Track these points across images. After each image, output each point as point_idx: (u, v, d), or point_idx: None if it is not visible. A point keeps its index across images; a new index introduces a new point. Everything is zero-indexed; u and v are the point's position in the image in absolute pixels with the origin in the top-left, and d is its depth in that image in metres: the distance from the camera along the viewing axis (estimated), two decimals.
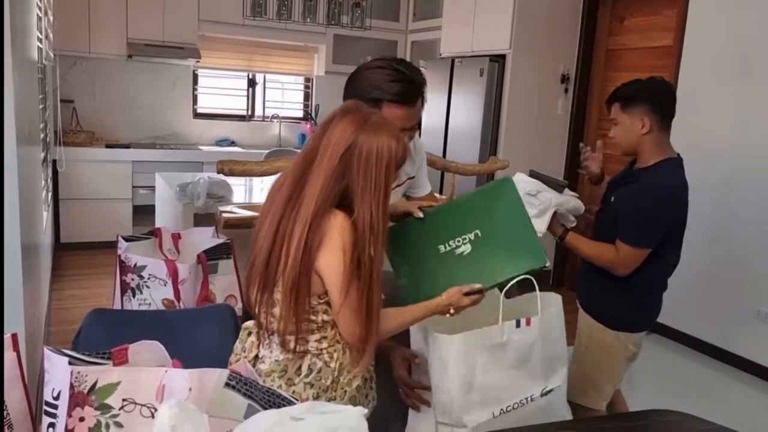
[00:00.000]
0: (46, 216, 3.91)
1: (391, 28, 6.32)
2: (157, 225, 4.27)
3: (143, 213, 5.20)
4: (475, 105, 4.75)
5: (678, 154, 2.16)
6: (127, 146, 5.38)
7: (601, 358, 2.20)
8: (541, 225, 2.02)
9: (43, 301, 3.50)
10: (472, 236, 1.56)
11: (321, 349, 1.41)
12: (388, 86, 1.62)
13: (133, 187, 5.33)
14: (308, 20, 3.98)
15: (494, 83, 4.63)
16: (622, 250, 2.03)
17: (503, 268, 1.52)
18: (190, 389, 1.14)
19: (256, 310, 1.41)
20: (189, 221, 3.22)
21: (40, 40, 3.59)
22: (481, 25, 4.85)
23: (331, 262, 1.33)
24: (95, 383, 1.13)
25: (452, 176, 2.93)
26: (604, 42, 4.73)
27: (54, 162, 4.92)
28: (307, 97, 6.58)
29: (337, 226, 1.33)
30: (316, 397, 1.41)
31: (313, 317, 1.39)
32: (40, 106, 3.82)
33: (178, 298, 2.12)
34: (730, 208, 3.74)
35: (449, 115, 5.06)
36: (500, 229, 1.55)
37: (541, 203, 2.05)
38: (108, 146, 5.31)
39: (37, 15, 3.45)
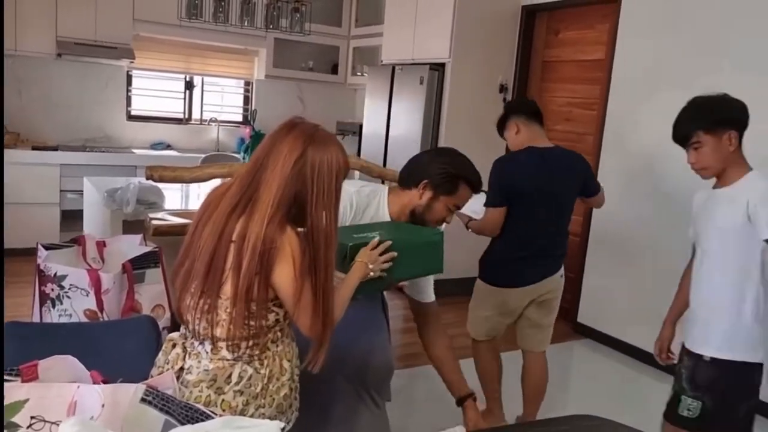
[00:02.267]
0: None
1: (333, 33, 6.30)
2: (85, 231, 4.11)
3: (72, 218, 4.99)
4: (415, 112, 4.78)
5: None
6: (55, 148, 5.16)
7: (475, 301, 2.90)
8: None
9: None
10: (376, 233, 1.77)
11: (252, 356, 1.42)
12: (471, 173, 2.02)
13: (61, 191, 5.11)
14: (246, 23, 3.91)
15: (434, 91, 4.67)
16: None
17: (409, 232, 1.90)
18: (103, 405, 1.08)
19: (189, 317, 1.38)
20: (118, 228, 3.10)
21: None
22: (422, 33, 4.89)
23: (285, 274, 1.38)
24: None
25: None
26: (541, 54, 4.85)
27: None
28: (246, 101, 6.48)
29: (288, 240, 1.37)
30: (246, 405, 1.41)
31: (252, 323, 1.40)
32: None
33: (102, 309, 2.03)
34: (662, 214, 3.87)
35: (390, 122, 5.07)
36: (398, 229, 1.91)
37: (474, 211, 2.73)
38: (34, 148, 5.08)
39: None
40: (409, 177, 2.01)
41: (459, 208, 2.03)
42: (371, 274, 1.62)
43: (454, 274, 3.32)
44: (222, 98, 6.46)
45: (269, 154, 1.42)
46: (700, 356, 1.97)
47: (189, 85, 6.13)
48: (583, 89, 4.51)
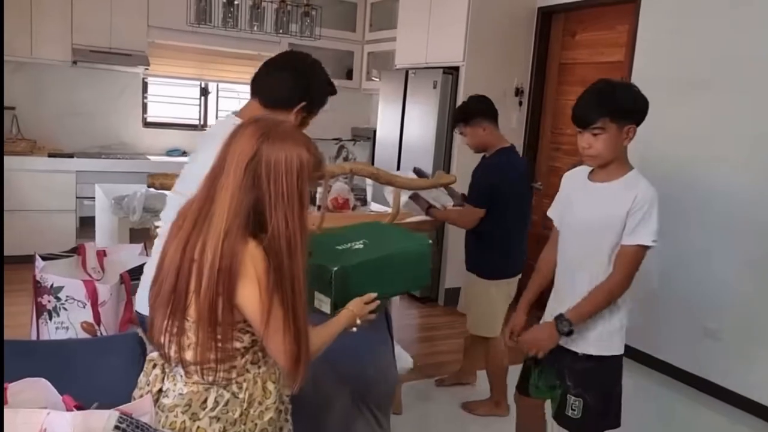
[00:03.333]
0: None
1: (347, 38, 6.25)
2: (97, 239, 4.11)
3: (88, 225, 4.98)
4: (428, 117, 4.70)
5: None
6: (71, 156, 5.17)
7: (482, 304, 3.04)
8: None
9: None
10: (361, 243, 1.71)
11: (229, 379, 1.33)
12: (331, 83, 1.92)
13: (77, 198, 5.12)
14: (255, 28, 3.87)
15: (448, 95, 4.59)
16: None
17: (396, 242, 1.82)
18: None
19: (162, 339, 1.30)
20: (125, 236, 3.08)
21: None
22: (435, 37, 4.82)
23: (247, 294, 1.26)
24: None
25: (397, 191, 2.86)
26: (557, 56, 4.74)
27: None
28: None
29: (250, 256, 1.25)
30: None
31: (227, 345, 1.30)
32: None
33: (98, 322, 1.99)
34: (681, 222, 3.75)
35: (403, 127, 5.00)
36: (382, 236, 1.84)
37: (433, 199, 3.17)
38: (51, 155, 5.09)
39: None
40: (282, 99, 1.79)
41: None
42: (354, 328, 1.53)
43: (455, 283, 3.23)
44: (239, 104, 6.44)
45: (225, 157, 1.29)
46: (577, 354, 1.96)
47: (204, 92, 6.13)
48: None
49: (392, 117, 5.11)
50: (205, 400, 1.31)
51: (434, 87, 4.61)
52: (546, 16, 4.72)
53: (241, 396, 1.33)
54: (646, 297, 3.92)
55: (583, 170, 2.06)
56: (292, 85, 1.80)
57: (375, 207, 3.61)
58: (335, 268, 1.55)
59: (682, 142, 3.74)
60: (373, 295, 1.55)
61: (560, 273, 2.06)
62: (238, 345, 1.32)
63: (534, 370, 2.12)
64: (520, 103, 4.82)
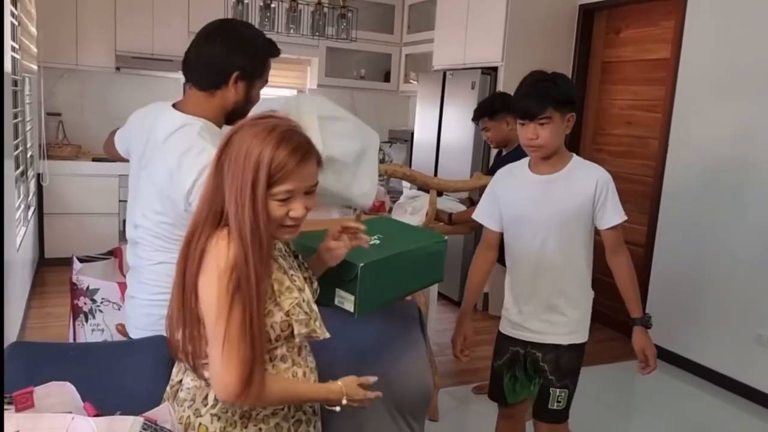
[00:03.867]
0: (23, 232, 3.80)
1: (385, 40, 6.23)
2: None
3: None
4: (466, 118, 4.61)
5: None
6: (114, 160, 5.26)
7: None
8: (414, 221, 2.76)
9: (15, 322, 3.38)
10: (376, 238, 1.61)
11: None
12: (269, 40, 1.71)
13: (120, 201, 5.22)
14: (291, 31, 3.87)
15: (486, 96, 4.50)
16: None
17: (412, 239, 1.73)
18: None
19: (176, 333, 1.26)
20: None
21: (16, 51, 3.50)
22: (473, 37, 4.75)
23: (204, 286, 1.18)
24: None
25: (433, 193, 2.80)
26: (600, 54, 4.61)
27: (39, 176, 4.82)
28: None
29: (215, 245, 1.18)
30: None
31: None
32: (17, 120, 3.73)
33: None
34: (731, 223, 3.59)
35: (441, 129, 4.94)
36: (396, 232, 1.76)
37: (413, 208, 2.96)
38: (95, 160, 5.21)
39: (12, 24, 3.36)
40: (213, 77, 1.63)
41: (267, 82, 1.72)
42: (337, 408, 1.34)
43: None
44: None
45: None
46: (558, 345, 1.99)
47: None
48: (646, 90, 4.25)
49: (430, 119, 5.06)
50: (206, 397, 1.26)
51: (472, 88, 4.54)
52: (588, 13, 4.59)
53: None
54: (688, 301, 3.77)
55: (517, 167, 2.05)
56: (217, 59, 1.62)
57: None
58: (362, 264, 1.45)
59: (729, 140, 3.58)
60: (373, 379, 1.38)
61: (521, 271, 2.03)
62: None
63: (505, 375, 2.11)
64: None
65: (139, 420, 1.04)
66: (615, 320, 4.40)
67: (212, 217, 1.20)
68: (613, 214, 1.92)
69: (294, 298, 1.27)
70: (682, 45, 3.85)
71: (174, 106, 1.68)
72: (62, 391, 1.11)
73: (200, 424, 1.24)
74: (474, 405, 3.20)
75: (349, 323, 1.73)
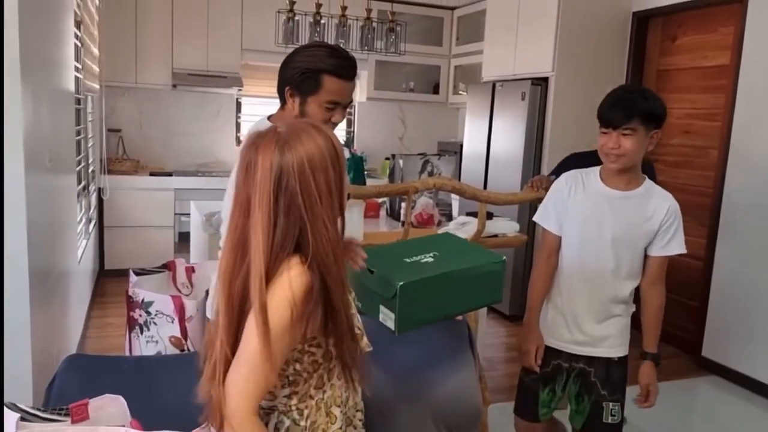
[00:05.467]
0: (84, 244, 3.95)
1: (434, 53, 6.23)
2: (191, 254, 4.27)
3: (187, 241, 5.21)
4: (516, 130, 4.57)
5: None
6: (170, 174, 5.44)
7: None
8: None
9: (75, 331, 3.50)
10: (431, 256, 1.63)
11: (290, 405, 1.25)
12: (328, 60, 1.70)
13: (176, 214, 5.37)
14: (341, 45, 3.91)
15: (537, 107, 4.45)
16: None
17: (467, 258, 1.70)
18: None
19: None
20: (215, 252, 3.17)
21: (78, 71, 3.66)
22: (523, 47, 4.69)
23: (273, 300, 1.11)
24: None
25: (482, 207, 2.76)
26: (655, 62, 4.49)
27: (100, 190, 5.01)
28: (349, 123, 6.54)
29: (286, 270, 1.13)
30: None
31: (286, 368, 1.23)
32: (80, 136, 3.89)
33: (185, 336, 2.03)
34: None
35: (490, 141, 4.89)
36: (453, 250, 1.73)
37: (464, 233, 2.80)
38: (152, 174, 5.38)
39: (75, 46, 3.52)
40: (280, 93, 1.78)
41: (336, 103, 1.72)
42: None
43: None
44: None
45: (250, 187, 1.15)
46: (609, 359, 1.99)
47: None
48: (704, 99, 4.11)
49: (479, 131, 5.02)
50: (266, 425, 1.23)
51: (522, 99, 4.48)
52: (642, 21, 4.48)
53: (302, 424, 1.25)
54: (749, 316, 3.60)
55: (587, 176, 2.01)
56: (279, 79, 1.78)
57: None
58: (400, 283, 1.45)
59: None
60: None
61: (574, 282, 2.00)
62: (297, 368, 1.23)
63: (543, 390, 2.06)
64: None
65: None
66: (675, 336, 4.25)
67: (285, 246, 1.14)
68: (672, 244, 1.93)
69: (353, 313, 1.27)
70: (742, 51, 3.71)
71: (268, 118, 1.84)
72: (116, 404, 1.14)
73: None
74: None
75: (398, 342, 1.73)
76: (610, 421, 1.99)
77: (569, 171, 2.08)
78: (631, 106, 1.84)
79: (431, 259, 1.60)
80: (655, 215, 1.89)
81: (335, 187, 1.17)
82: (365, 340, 1.30)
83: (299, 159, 1.13)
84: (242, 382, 1.11)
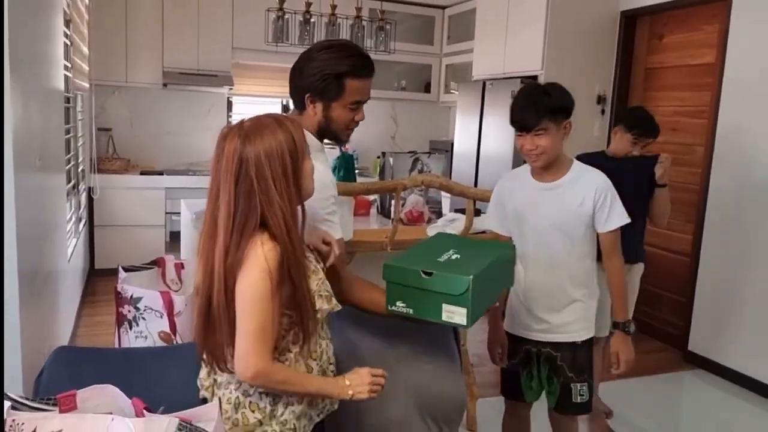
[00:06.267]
0: (74, 243, 3.95)
1: (425, 51, 6.27)
2: (182, 252, 4.28)
3: (178, 240, 5.22)
4: (506, 128, 4.56)
5: None
6: (161, 173, 5.44)
7: None
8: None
9: (66, 330, 3.51)
10: (452, 253, 1.67)
11: (273, 359, 1.38)
12: (347, 61, 1.68)
13: (167, 213, 5.37)
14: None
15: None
16: None
17: (488, 248, 1.79)
18: None
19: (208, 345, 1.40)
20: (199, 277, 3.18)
21: (68, 69, 3.66)
22: (513, 46, 4.73)
23: (246, 282, 1.31)
24: (34, 431, 1.05)
25: (470, 204, 2.79)
26: (643, 60, 4.54)
27: (90, 189, 5.01)
28: None
29: (260, 246, 1.31)
30: (274, 404, 1.41)
31: None
32: (69, 135, 3.90)
33: (174, 331, 2.05)
34: None
35: (481, 140, 4.92)
36: (465, 245, 1.78)
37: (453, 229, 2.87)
38: (143, 173, 5.38)
39: (65, 44, 3.52)
40: (295, 99, 1.76)
41: (361, 102, 1.73)
42: (349, 395, 1.43)
43: None
44: None
45: (216, 175, 1.35)
46: (574, 343, 2.06)
47: (285, 109, 6.29)
48: (691, 96, 4.15)
49: (469, 129, 5.05)
50: None
51: (512, 97, 4.50)
52: (630, 19, 4.53)
53: None
54: (735, 311, 3.65)
55: (519, 175, 2.10)
56: (294, 83, 1.75)
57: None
58: (472, 276, 1.51)
59: None
60: (380, 371, 1.46)
61: (529, 273, 2.07)
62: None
63: (522, 373, 2.15)
64: (603, 111, 4.64)
65: (174, 421, 1.08)
66: (662, 331, 4.29)
67: (248, 223, 1.32)
68: (610, 219, 1.99)
69: (319, 279, 1.43)
70: (726, 49, 3.76)
71: None
72: (103, 394, 1.16)
73: (250, 402, 1.40)
74: None
75: (386, 333, 1.76)
76: (579, 400, 2.08)
77: (509, 173, 2.21)
78: (537, 107, 1.91)
79: (459, 256, 1.64)
80: (586, 198, 1.96)
81: (292, 177, 1.34)
82: (334, 301, 1.46)
83: (256, 151, 1.31)
84: (251, 350, 1.30)
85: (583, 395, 2.08)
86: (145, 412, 1.11)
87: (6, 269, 1.96)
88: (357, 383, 1.41)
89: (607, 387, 3.16)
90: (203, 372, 1.47)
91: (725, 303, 3.77)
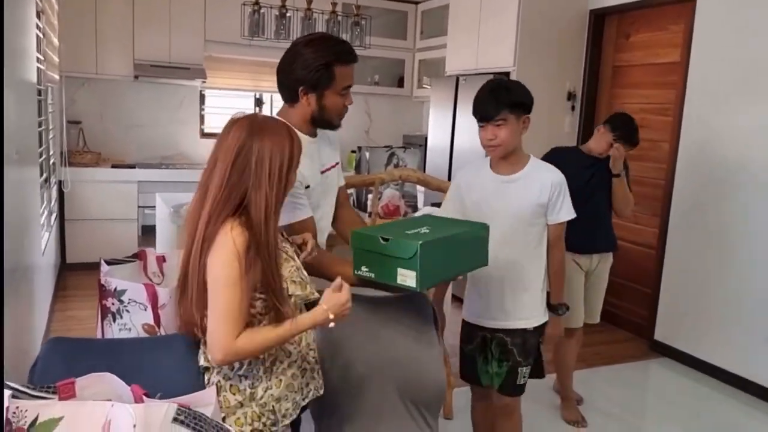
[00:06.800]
0: (47, 237, 3.91)
1: (398, 46, 6.31)
2: (158, 246, 4.26)
3: (150, 234, 5.18)
4: None
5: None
6: (133, 166, 5.39)
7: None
8: None
9: (41, 324, 3.48)
10: (425, 228, 1.79)
11: None
12: (334, 50, 1.82)
13: (139, 207, 5.33)
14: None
15: None
16: None
17: (457, 226, 1.89)
18: (134, 426, 1.08)
19: (193, 314, 1.48)
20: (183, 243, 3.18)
21: (41, 62, 3.62)
22: (486, 42, 4.81)
23: (216, 264, 1.39)
24: (36, 418, 1.08)
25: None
26: (611, 58, 4.66)
27: (60, 183, 4.94)
28: None
29: (231, 230, 1.39)
30: (253, 387, 1.49)
31: None
32: (41, 128, 3.85)
33: (158, 323, 2.05)
34: (740, 225, 3.61)
35: (454, 134, 5.00)
36: (442, 223, 1.91)
37: None
38: (114, 166, 5.33)
39: (37, 36, 3.48)
40: (287, 93, 1.89)
41: (349, 87, 1.89)
42: (330, 324, 1.48)
43: None
44: None
45: (218, 153, 1.45)
46: (525, 329, 2.17)
47: (259, 102, 6.29)
48: (657, 94, 4.29)
49: (443, 124, 5.12)
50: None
51: None
52: (598, 18, 4.65)
53: (262, 356, 1.49)
54: (699, 302, 3.80)
55: (478, 168, 2.21)
56: (285, 78, 1.87)
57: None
58: (420, 242, 1.63)
59: (739, 142, 3.61)
60: (340, 282, 1.52)
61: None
62: (252, 311, 1.45)
63: (478, 358, 2.27)
64: (573, 108, 4.76)
65: (173, 406, 1.11)
66: (629, 321, 4.43)
67: (231, 202, 1.42)
68: (560, 212, 2.12)
69: (291, 266, 1.52)
70: (691, 49, 3.89)
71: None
72: (102, 381, 1.19)
73: (231, 385, 1.48)
74: None
75: (367, 321, 1.81)
76: (522, 382, 2.22)
77: (468, 166, 2.32)
78: (498, 99, 2.03)
79: (428, 231, 1.75)
80: (543, 191, 2.08)
81: (284, 178, 1.45)
82: (309, 288, 1.55)
83: (262, 142, 1.43)
84: (218, 332, 1.37)
85: (525, 377, 2.21)
86: (144, 398, 1.15)
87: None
88: (334, 308, 1.47)
89: (577, 375, 3.26)
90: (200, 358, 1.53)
91: (689, 294, 3.92)
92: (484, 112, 2.07)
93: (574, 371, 3.21)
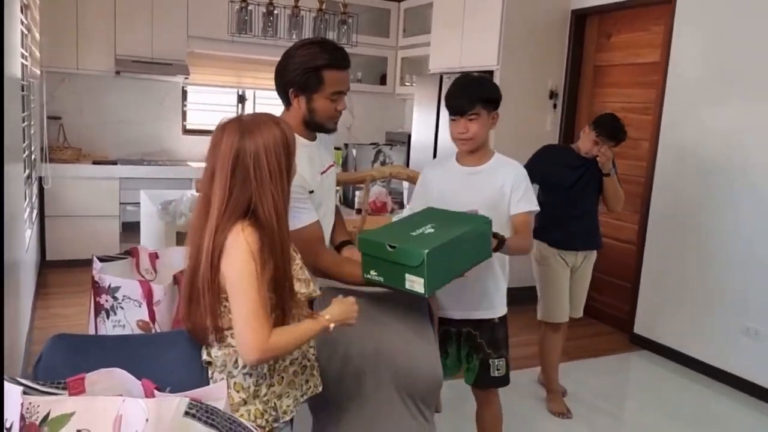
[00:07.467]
0: (29, 234, 3.86)
1: (381, 44, 6.34)
2: (142, 243, 4.24)
3: (132, 230, 5.15)
4: None
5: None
6: (114, 163, 5.35)
7: (548, 283, 3.23)
8: None
9: (24, 321, 3.45)
10: (429, 227, 1.80)
11: None
12: (323, 55, 1.82)
13: (121, 203, 5.28)
14: (294, 36, 3.97)
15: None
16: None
17: (461, 223, 1.88)
18: (147, 420, 1.10)
19: (200, 314, 1.47)
20: (172, 239, 3.19)
21: (25, 57, 3.58)
22: (469, 41, 4.86)
23: (233, 267, 1.39)
24: (48, 414, 1.09)
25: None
26: (592, 58, 4.74)
27: (41, 179, 4.88)
28: None
29: (238, 232, 1.39)
30: (257, 385, 1.49)
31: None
32: (24, 123, 3.80)
33: (153, 320, 2.06)
34: (718, 220, 3.71)
35: (438, 132, 5.04)
36: (445, 219, 1.90)
37: None
38: (95, 163, 5.28)
39: (22, 32, 3.44)
40: (282, 96, 1.93)
41: (341, 92, 1.88)
42: (331, 328, 1.53)
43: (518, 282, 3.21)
44: (277, 111, 6.54)
45: (214, 163, 1.44)
46: (491, 320, 2.23)
47: (241, 99, 6.26)
48: (637, 93, 4.38)
49: (427, 121, 5.16)
50: (236, 360, 1.48)
51: None
52: (580, 18, 4.72)
53: None
54: (678, 296, 3.90)
55: (444, 162, 2.30)
56: (278, 81, 1.90)
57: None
58: (427, 251, 1.64)
59: (717, 141, 3.70)
60: (352, 299, 1.59)
61: None
62: None
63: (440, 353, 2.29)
64: (555, 106, 4.83)
65: (185, 400, 1.13)
66: (610, 316, 4.52)
67: (238, 210, 1.41)
68: (523, 203, 2.16)
69: (296, 264, 1.53)
70: (671, 49, 3.98)
71: None
72: (111, 377, 1.20)
73: (235, 383, 1.48)
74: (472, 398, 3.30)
75: (366, 316, 1.84)
76: (497, 374, 2.26)
77: (433, 161, 2.36)
78: (472, 93, 2.09)
79: (433, 230, 1.77)
80: (505, 182, 2.15)
81: (285, 170, 1.45)
82: (312, 286, 1.56)
83: (256, 144, 1.41)
84: (252, 332, 1.37)
85: (500, 370, 2.25)
86: (155, 392, 1.17)
87: None
88: (337, 317, 1.53)
89: (561, 368, 3.33)
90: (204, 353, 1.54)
91: (668, 288, 4.01)
92: (458, 106, 2.11)
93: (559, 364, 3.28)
